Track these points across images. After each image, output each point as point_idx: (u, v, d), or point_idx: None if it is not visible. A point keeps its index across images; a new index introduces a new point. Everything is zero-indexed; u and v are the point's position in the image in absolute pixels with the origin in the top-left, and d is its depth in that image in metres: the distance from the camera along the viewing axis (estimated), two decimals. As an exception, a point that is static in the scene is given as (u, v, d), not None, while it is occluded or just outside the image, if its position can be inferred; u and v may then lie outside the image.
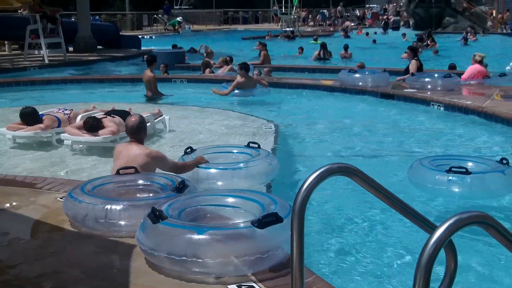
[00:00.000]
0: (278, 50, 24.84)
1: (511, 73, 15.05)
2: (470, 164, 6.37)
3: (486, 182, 5.98)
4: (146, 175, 5.58)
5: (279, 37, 33.53)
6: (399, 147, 9.21)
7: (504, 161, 6.24)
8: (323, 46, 23.14)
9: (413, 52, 15.37)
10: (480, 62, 14.14)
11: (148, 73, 13.28)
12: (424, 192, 6.40)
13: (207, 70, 17.18)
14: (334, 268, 5.04)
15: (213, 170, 6.20)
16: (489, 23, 40.31)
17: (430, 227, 2.96)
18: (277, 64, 20.34)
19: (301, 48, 24.96)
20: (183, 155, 6.63)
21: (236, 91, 13.07)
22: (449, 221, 2.36)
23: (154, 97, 13.24)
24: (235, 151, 6.96)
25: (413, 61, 14.92)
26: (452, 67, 17.31)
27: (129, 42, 26.45)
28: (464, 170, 5.94)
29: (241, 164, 6.30)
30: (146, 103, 12.77)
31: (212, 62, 19.13)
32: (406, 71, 14.92)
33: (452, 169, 5.98)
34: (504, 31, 35.95)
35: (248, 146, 6.83)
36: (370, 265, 5.07)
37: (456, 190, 5.97)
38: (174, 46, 22.56)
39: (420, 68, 14.85)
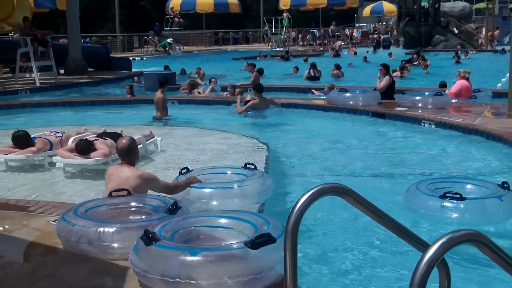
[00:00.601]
0: (270, 70, 24.90)
1: (487, 89, 15.16)
2: (469, 187, 6.28)
3: (481, 208, 5.84)
4: (139, 197, 5.58)
5: (273, 58, 33.57)
6: (392, 166, 9.22)
7: (506, 185, 6.09)
8: (313, 65, 23.28)
9: (386, 69, 15.57)
10: (467, 79, 14.26)
11: (158, 94, 13.23)
12: (419, 217, 6.33)
13: (195, 90, 17.14)
14: (328, 289, 5.03)
15: (205, 190, 6.22)
16: (480, 41, 40.59)
17: (423, 246, 2.98)
18: (270, 84, 20.38)
19: (296, 68, 25.06)
20: (178, 175, 6.64)
21: (249, 112, 13.13)
22: (442, 240, 2.37)
23: (162, 118, 13.13)
24: (229, 171, 6.97)
25: (386, 77, 15.17)
26: (442, 85, 17.44)
27: (120, 64, 26.51)
28: (459, 195, 5.82)
29: (235, 184, 6.31)
30: (152, 123, 12.76)
31: (203, 83, 19.22)
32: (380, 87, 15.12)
33: (446, 194, 5.87)
34: (495, 48, 36.24)
35: (245, 167, 6.84)
36: (363, 284, 5.07)
37: (450, 216, 5.86)
38: (166, 68, 22.62)
39: (392, 86, 15.03)
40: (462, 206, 5.80)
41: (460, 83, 14.13)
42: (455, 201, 5.83)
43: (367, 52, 37.30)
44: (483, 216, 5.84)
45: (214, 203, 6.11)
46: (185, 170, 6.74)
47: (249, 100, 13.37)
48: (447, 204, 5.84)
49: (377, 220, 3.00)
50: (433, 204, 5.91)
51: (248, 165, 6.82)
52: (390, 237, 4.94)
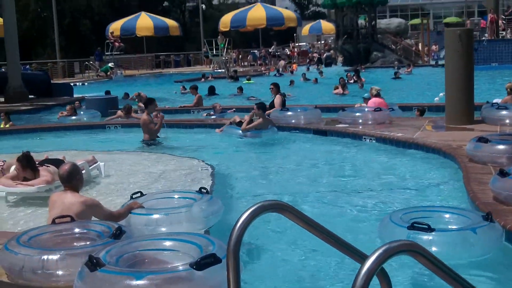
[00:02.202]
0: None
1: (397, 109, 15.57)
2: (447, 217, 5.94)
3: (450, 241, 5.42)
4: (82, 223, 5.55)
5: (216, 79, 33.60)
6: (335, 183, 9.34)
7: (489, 216, 5.63)
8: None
9: (277, 87, 16.21)
10: (378, 95, 14.84)
11: (144, 116, 12.97)
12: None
13: (132, 114, 16.98)
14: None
15: (148, 216, 6.17)
16: (426, 58, 41.42)
17: (361, 258, 3.05)
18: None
19: (240, 88, 25.19)
20: (129, 200, 6.60)
21: (248, 132, 13.00)
22: (378, 251, 2.45)
23: (150, 141, 12.80)
24: (176, 196, 6.93)
25: (278, 96, 15.79)
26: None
27: (61, 90, 26.21)
28: (427, 226, 5.43)
29: (181, 209, 6.28)
30: (142, 148, 12.62)
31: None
32: (271, 106, 15.66)
33: (414, 224, 5.48)
34: (436, 62, 37.18)
35: (199, 191, 6.78)
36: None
37: None
38: (107, 93, 22.48)
39: (283, 103, 15.75)
40: (430, 238, 5.39)
41: (373, 101, 14.59)
42: (422, 232, 5.43)
43: (308, 69, 37.70)
44: (452, 249, 5.38)
45: (163, 229, 6.05)
46: (137, 194, 6.70)
47: (240, 121, 13.35)
48: (413, 235, 5.41)
49: (317, 234, 3.07)
50: (400, 234, 5.45)
51: (202, 190, 6.79)
52: (332, 251, 5.04)
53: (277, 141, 12.90)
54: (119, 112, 17.06)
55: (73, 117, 17.07)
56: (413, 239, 5.20)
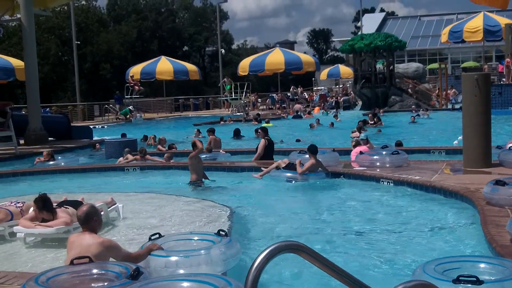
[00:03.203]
0: (226, 134, 25.14)
1: (391, 146, 16.12)
2: (482, 267, 5.51)
3: None
4: (100, 263, 5.58)
5: (235, 122, 33.91)
6: (352, 225, 9.34)
7: None
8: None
9: (264, 132, 16.67)
10: (359, 143, 15.52)
11: (191, 156, 13.04)
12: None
13: (147, 156, 17.05)
14: None
15: (167, 258, 6.16)
16: (443, 102, 41.56)
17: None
18: (230, 148, 20.58)
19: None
20: (148, 241, 6.61)
21: (293, 174, 13.08)
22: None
23: (197, 181, 12.89)
24: (198, 238, 6.93)
25: (262, 140, 16.25)
26: (398, 144, 17.83)
27: (81, 133, 26.47)
28: (475, 279, 4.98)
29: (201, 251, 6.26)
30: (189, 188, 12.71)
31: (164, 149, 19.34)
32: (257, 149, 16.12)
33: (460, 278, 5.02)
34: (454, 106, 37.26)
35: (217, 233, 6.77)
36: None
37: None
38: (123, 135, 22.72)
39: (269, 147, 16.17)
40: None
41: (355, 151, 15.02)
42: (470, 285, 4.97)
43: (325, 112, 37.92)
44: None
45: (181, 271, 6.04)
46: (156, 235, 6.71)
47: (292, 164, 13.44)
48: None
49: (333, 275, 3.09)
50: None
51: (221, 232, 6.79)
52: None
53: (294, 184, 12.89)
54: (131, 156, 17.12)
55: (51, 162, 17.12)
56: None
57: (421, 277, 5.27)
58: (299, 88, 51.11)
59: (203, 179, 13.11)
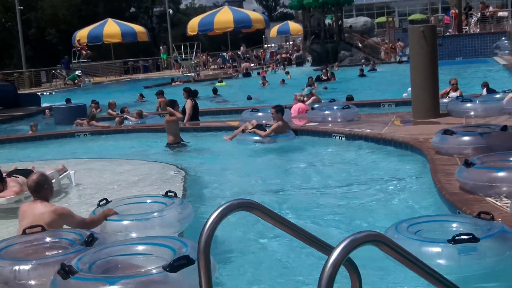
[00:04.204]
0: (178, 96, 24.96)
1: (338, 99, 16.44)
2: (454, 225, 5.42)
3: (498, 246, 4.97)
4: (54, 232, 5.52)
5: (186, 83, 33.62)
6: (306, 181, 9.43)
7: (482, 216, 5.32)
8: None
9: (187, 92, 16.20)
10: (302, 101, 15.57)
11: (167, 118, 12.77)
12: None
13: (93, 122, 16.84)
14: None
15: (122, 222, 6.12)
16: (383, 54, 41.97)
17: (329, 250, 3.10)
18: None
19: (215, 90, 25.42)
20: (96, 207, 6.55)
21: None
22: (344, 242, 2.49)
23: (174, 144, 12.60)
24: (149, 200, 6.90)
25: (188, 101, 15.89)
26: (349, 98, 17.97)
27: (28, 100, 25.97)
28: (471, 236, 4.88)
29: (154, 214, 6.25)
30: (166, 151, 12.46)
31: (115, 113, 19.11)
32: (183, 111, 15.55)
33: (456, 238, 4.90)
34: (401, 59, 37.64)
35: (165, 195, 6.77)
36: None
37: (470, 263, 4.88)
38: (68, 101, 22.40)
39: (195, 107, 15.91)
40: (480, 248, 4.86)
41: (296, 107, 15.19)
42: (469, 244, 4.86)
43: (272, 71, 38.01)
44: (500, 254, 4.97)
45: (134, 235, 6.03)
46: (103, 201, 6.64)
47: (260, 125, 12.63)
48: (463, 249, 4.85)
49: (286, 230, 3.11)
50: (446, 252, 4.90)
51: (169, 193, 6.78)
52: (303, 246, 5.12)
53: (248, 142, 12.82)
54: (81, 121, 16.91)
55: None
56: (466, 254, 4.85)
57: (402, 241, 4.87)
58: (242, 47, 50.72)
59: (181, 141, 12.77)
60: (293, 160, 11.10)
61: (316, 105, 15.32)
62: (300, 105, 15.20)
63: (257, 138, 12.35)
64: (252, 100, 22.09)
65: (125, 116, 17.31)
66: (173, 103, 12.91)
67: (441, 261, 4.87)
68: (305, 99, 16.32)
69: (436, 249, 4.95)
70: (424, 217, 5.93)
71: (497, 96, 13.98)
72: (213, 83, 31.52)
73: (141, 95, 26.01)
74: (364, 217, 7.32)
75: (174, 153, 12.32)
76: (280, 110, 12.45)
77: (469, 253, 4.85)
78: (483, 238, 4.91)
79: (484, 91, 15.55)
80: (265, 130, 12.36)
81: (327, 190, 8.74)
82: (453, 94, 15.11)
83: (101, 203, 6.59)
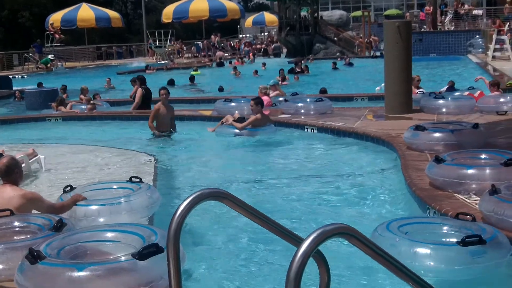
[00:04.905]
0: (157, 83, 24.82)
1: (301, 92, 16.81)
2: (444, 228, 5.33)
3: (503, 249, 4.93)
4: (22, 216, 5.47)
5: (159, 70, 33.48)
6: (278, 173, 9.45)
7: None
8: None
9: (140, 81, 16.21)
10: (267, 94, 15.51)
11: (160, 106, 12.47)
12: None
13: (61, 107, 16.67)
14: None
15: (91, 207, 6.12)
16: (358, 48, 42.21)
17: (299, 242, 3.12)
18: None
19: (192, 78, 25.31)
20: (62, 194, 6.52)
21: (244, 129, 11.94)
22: (314, 234, 2.51)
23: (163, 132, 12.39)
24: (115, 186, 6.90)
25: (139, 90, 15.98)
26: (323, 91, 18.04)
27: None
28: (478, 238, 4.80)
29: (121, 199, 6.26)
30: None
31: (85, 98, 18.95)
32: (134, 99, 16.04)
33: (467, 240, 4.80)
34: (375, 54, 37.83)
35: (130, 180, 6.79)
36: (249, 281, 5.29)
37: (478, 265, 4.80)
38: (40, 85, 22.19)
39: (146, 95, 15.83)
40: (486, 250, 4.82)
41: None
42: (478, 245, 4.80)
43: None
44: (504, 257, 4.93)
45: (102, 220, 6.03)
46: (68, 188, 6.62)
47: (242, 118, 12.28)
48: (475, 252, 4.78)
49: (256, 220, 3.13)
50: (457, 255, 4.82)
51: (133, 179, 6.78)
52: (274, 238, 5.16)
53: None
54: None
55: None
56: (477, 256, 4.77)
57: (388, 239, 4.98)
58: (213, 36, 50.49)
59: (171, 130, 12.59)
60: (266, 152, 11.11)
61: (280, 99, 15.38)
62: (264, 98, 15.12)
63: (236, 130, 12.09)
64: (223, 92, 22.03)
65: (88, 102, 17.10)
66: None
67: (453, 264, 4.81)
68: (270, 91, 16.34)
69: (448, 252, 4.87)
70: (409, 218, 5.78)
71: (457, 93, 14.25)
72: (186, 72, 31.43)
73: (109, 80, 25.80)
74: (334, 210, 7.37)
75: (148, 141, 12.27)
76: (258, 102, 12.15)
77: (480, 255, 4.79)
78: (488, 240, 4.86)
79: (444, 89, 15.85)
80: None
81: (297, 182, 8.77)
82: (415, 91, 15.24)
83: (66, 189, 6.56)
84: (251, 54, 42.17)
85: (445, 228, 5.35)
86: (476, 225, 5.23)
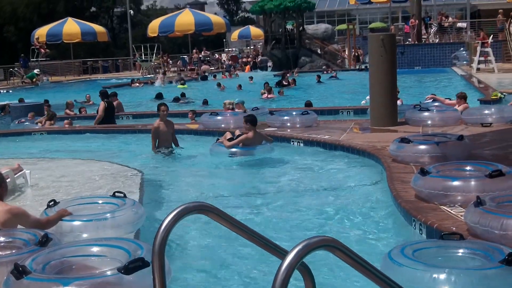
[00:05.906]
0: (142, 97, 24.85)
1: (263, 107, 16.97)
2: (461, 251, 4.98)
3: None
4: (8, 231, 5.45)
5: (146, 84, 33.45)
6: (263, 186, 9.46)
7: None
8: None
9: (102, 95, 16.69)
10: (232, 109, 16.12)
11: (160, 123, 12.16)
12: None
13: (48, 122, 16.66)
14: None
15: (77, 223, 6.10)
16: (347, 61, 42.36)
17: (283, 254, 3.13)
18: (140, 111, 20.35)
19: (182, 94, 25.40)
20: (46, 208, 6.50)
21: (235, 149, 11.28)
22: (298, 247, 2.53)
23: (163, 147, 12.13)
24: (100, 201, 6.87)
25: (102, 103, 16.27)
26: (308, 104, 18.11)
27: (-16, 98, 25.60)
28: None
29: (107, 215, 6.25)
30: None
31: (73, 113, 18.94)
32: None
33: (509, 259, 4.48)
34: (361, 67, 38.02)
35: (113, 196, 6.77)
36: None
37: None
38: (21, 100, 22.20)
39: (109, 110, 16.06)
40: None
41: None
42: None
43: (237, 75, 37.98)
44: None
45: (88, 235, 6.00)
46: (52, 202, 6.59)
47: (239, 135, 11.56)
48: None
49: (240, 233, 3.14)
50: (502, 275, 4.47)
51: (117, 194, 6.76)
52: (257, 249, 5.16)
53: (203, 146, 12.55)
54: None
55: None
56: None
57: (403, 265, 4.60)
58: (194, 51, 50.54)
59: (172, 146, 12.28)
60: (252, 165, 11.08)
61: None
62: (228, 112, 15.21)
63: (233, 150, 11.35)
64: (208, 106, 22.02)
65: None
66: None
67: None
68: (234, 106, 16.49)
69: (492, 272, 4.48)
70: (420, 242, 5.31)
71: (436, 103, 14.42)
72: (172, 85, 31.47)
73: (89, 97, 25.65)
74: (319, 223, 7.39)
75: (135, 156, 12.23)
76: (249, 120, 11.39)
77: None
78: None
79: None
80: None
81: (282, 195, 8.78)
82: None
83: (50, 204, 6.54)
84: (235, 69, 42.21)
85: (460, 250, 5.00)
86: (481, 244, 5.02)
